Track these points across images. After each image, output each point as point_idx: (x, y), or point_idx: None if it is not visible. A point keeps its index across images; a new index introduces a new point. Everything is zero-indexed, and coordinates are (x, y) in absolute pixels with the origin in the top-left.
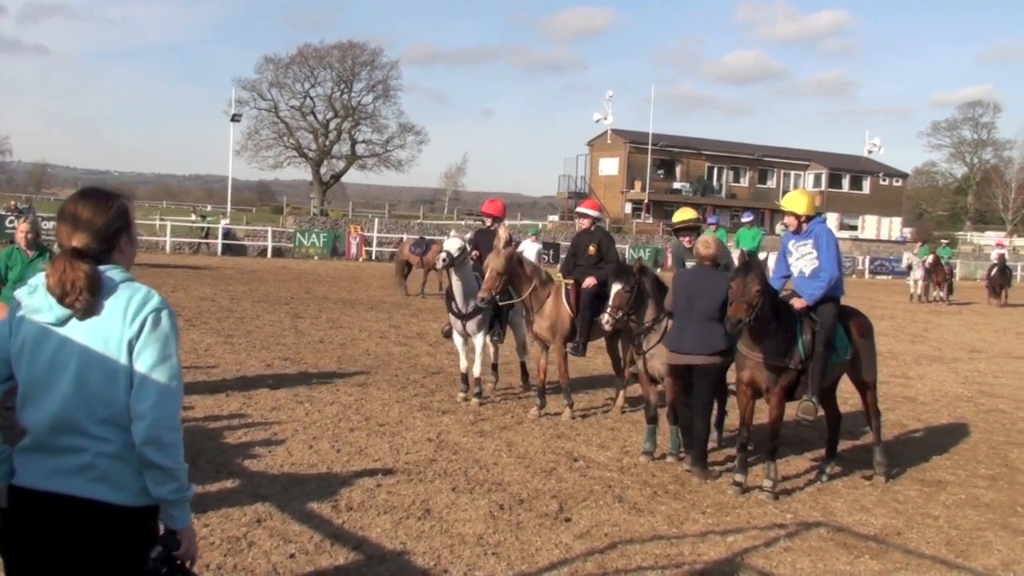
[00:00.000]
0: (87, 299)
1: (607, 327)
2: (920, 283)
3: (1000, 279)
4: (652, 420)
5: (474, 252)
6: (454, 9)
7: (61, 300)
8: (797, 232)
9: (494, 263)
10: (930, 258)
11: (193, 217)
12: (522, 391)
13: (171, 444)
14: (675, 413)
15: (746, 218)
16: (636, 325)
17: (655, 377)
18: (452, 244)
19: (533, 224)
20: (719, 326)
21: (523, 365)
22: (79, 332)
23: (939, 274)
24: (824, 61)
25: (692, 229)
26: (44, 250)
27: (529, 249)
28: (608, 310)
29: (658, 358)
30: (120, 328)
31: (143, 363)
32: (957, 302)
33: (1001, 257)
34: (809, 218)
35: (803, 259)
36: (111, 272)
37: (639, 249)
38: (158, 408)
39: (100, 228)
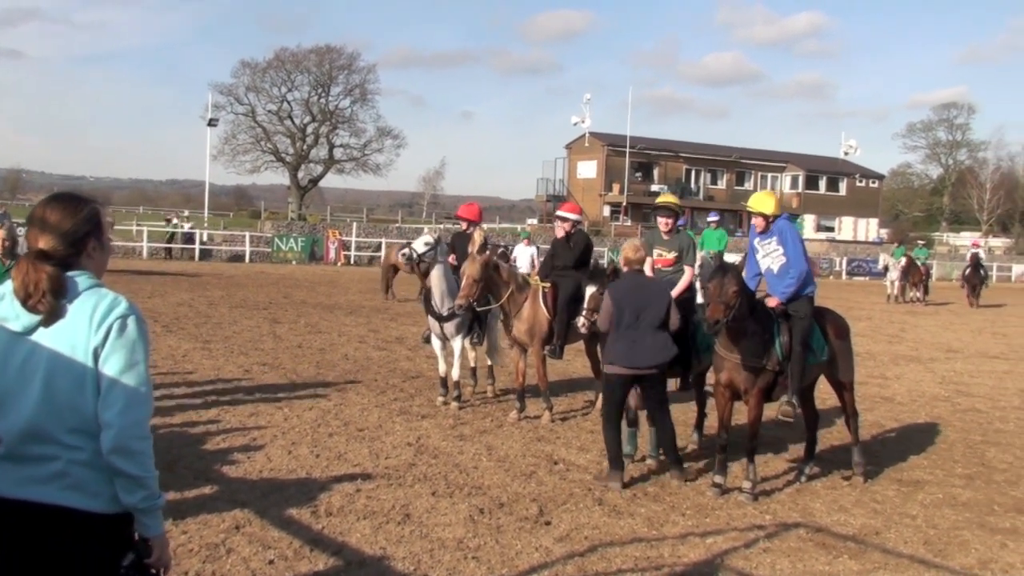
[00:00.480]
0: (50, 302)
1: (582, 330)
2: (896, 284)
3: (975, 278)
4: (632, 423)
5: (451, 256)
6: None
7: (25, 302)
8: (763, 232)
9: (470, 270)
10: (902, 260)
11: (167, 221)
12: (501, 394)
13: (139, 452)
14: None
15: (712, 218)
16: (584, 330)
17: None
18: (419, 243)
19: (522, 228)
20: (666, 333)
21: (491, 368)
22: (47, 340)
23: (915, 275)
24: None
25: (671, 211)
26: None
27: (523, 253)
28: (583, 313)
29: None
30: (86, 335)
31: (109, 370)
32: (934, 302)
33: (974, 256)
34: (775, 217)
35: (769, 256)
36: (78, 277)
37: (618, 252)
38: (125, 416)
39: (67, 231)
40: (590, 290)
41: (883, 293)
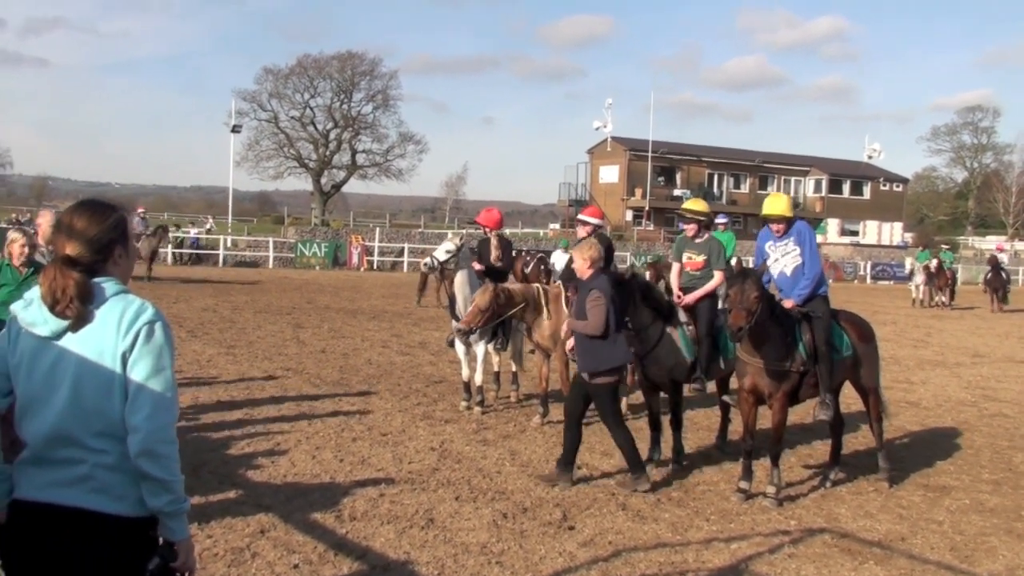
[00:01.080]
0: (78, 307)
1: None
2: (922, 288)
3: (996, 282)
4: (655, 427)
5: (476, 265)
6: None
7: (52, 308)
8: (779, 234)
9: (479, 299)
10: (933, 263)
11: (175, 227)
12: (524, 399)
13: (166, 456)
14: (678, 420)
15: (721, 220)
16: (635, 333)
17: (657, 383)
18: (440, 250)
19: (562, 237)
20: (606, 343)
21: (514, 373)
22: (74, 345)
23: (941, 279)
24: (824, 67)
25: (699, 221)
26: (40, 267)
27: (560, 260)
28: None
29: (656, 364)
30: (114, 340)
31: (137, 375)
32: (959, 307)
33: (993, 259)
34: (792, 219)
35: (785, 258)
36: (105, 284)
37: (641, 256)
38: (152, 420)
39: (93, 238)
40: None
41: (908, 297)
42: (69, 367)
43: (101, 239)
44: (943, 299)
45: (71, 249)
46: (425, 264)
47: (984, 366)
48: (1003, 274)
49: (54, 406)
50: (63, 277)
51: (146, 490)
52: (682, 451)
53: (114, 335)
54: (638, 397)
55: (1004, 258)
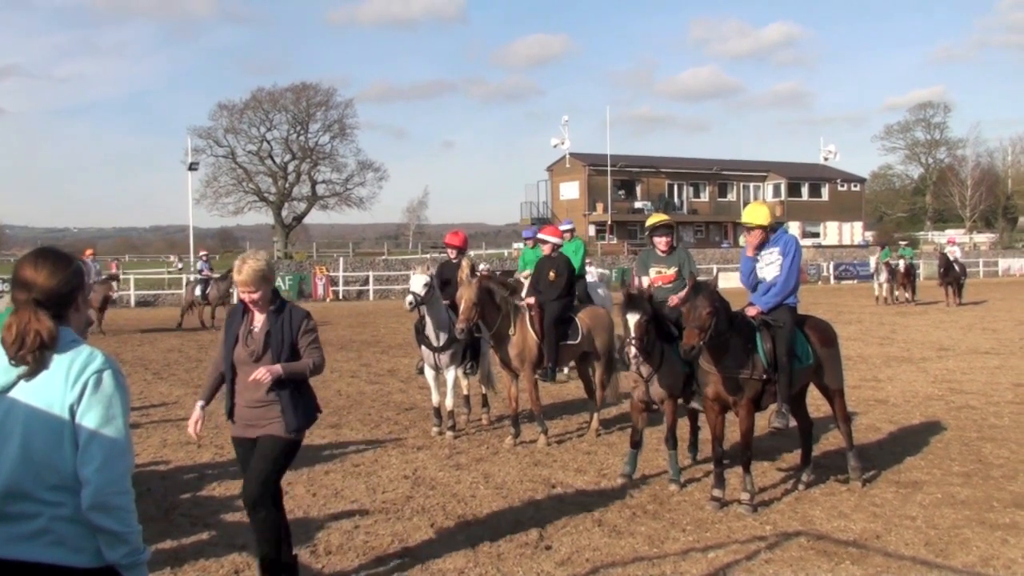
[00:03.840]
0: (40, 354)
1: (633, 361)
2: (884, 286)
3: (949, 277)
4: (636, 445)
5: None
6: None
7: (16, 352)
8: (763, 243)
9: (467, 293)
10: (901, 263)
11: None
12: (495, 421)
13: (119, 508)
14: (673, 437)
15: (566, 226)
16: (637, 359)
17: (654, 402)
18: (417, 283)
19: (513, 255)
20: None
21: (484, 396)
22: (23, 397)
23: (902, 276)
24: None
25: (669, 229)
26: None
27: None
28: (632, 342)
29: (660, 381)
30: (62, 391)
31: (86, 426)
32: (922, 302)
33: (943, 256)
34: (773, 228)
35: (769, 267)
36: (62, 332)
37: (605, 270)
38: (103, 472)
39: (56, 287)
40: (633, 318)
41: (872, 296)
42: (19, 420)
43: (63, 288)
44: (906, 295)
45: (38, 295)
46: (409, 302)
47: (950, 359)
48: (956, 268)
49: (5, 461)
50: (37, 321)
51: (102, 542)
52: (678, 471)
53: (62, 387)
54: (609, 413)
55: (956, 251)
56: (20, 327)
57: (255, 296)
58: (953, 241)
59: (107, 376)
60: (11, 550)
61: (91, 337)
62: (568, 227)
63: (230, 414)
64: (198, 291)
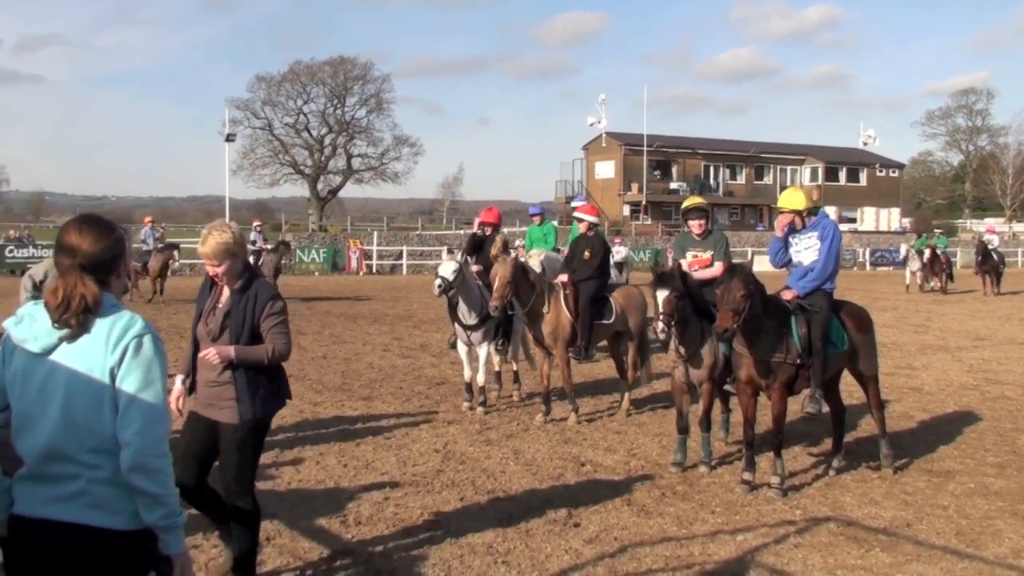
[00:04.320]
0: (84, 317)
1: (661, 336)
2: (919, 274)
3: (987, 265)
4: (684, 430)
5: (475, 266)
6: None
7: (61, 314)
8: (802, 228)
9: (502, 271)
10: (926, 253)
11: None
12: (526, 398)
13: (158, 470)
14: (708, 420)
15: (534, 212)
16: (680, 331)
17: (693, 385)
18: (447, 268)
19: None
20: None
21: (516, 372)
22: (65, 360)
23: (935, 264)
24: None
25: (703, 212)
26: None
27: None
28: (660, 317)
29: (700, 363)
30: (103, 355)
31: (127, 390)
32: (956, 291)
33: (981, 245)
34: (810, 212)
35: (807, 251)
36: (103, 297)
37: (639, 251)
38: (143, 435)
39: (98, 254)
40: (662, 294)
41: (903, 283)
42: (60, 383)
43: (106, 254)
44: (937, 284)
45: (83, 261)
46: (438, 285)
47: (986, 349)
48: (995, 256)
49: (46, 422)
50: (83, 285)
51: (140, 505)
52: (710, 453)
53: (103, 350)
54: (641, 393)
55: (995, 240)
56: (67, 291)
57: (219, 270)
58: (992, 230)
59: (147, 340)
60: (49, 510)
61: (150, 306)
62: (537, 212)
63: (191, 389)
64: (251, 260)
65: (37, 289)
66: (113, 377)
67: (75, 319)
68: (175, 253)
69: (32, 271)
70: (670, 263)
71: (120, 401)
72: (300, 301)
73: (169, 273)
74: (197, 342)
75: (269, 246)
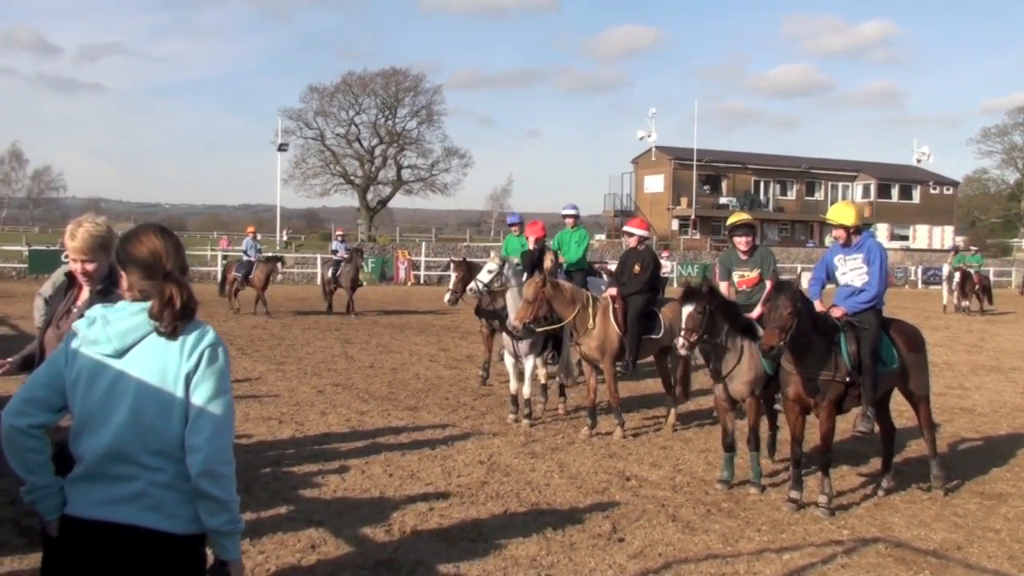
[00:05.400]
0: (182, 323)
1: (682, 351)
2: (955, 294)
3: None
4: (730, 448)
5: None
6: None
7: (171, 321)
8: (846, 245)
9: (525, 292)
10: (958, 274)
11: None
12: (572, 411)
13: (225, 476)
14: (756, 438)
15: (569, 211)
16: (713, 347)
17: (736, 400)
18: (483, 272)
19: (595, 246)
20: None
21: (561, 386)
22: (136, 365)
23: (967, 284)
24: (871, 71)
25: (750, 228)
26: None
27: None
28: (682, 333)
29: (738, 379)
30: (178, 362)
31: (199, 397)
32: (995, 311)
33: None
34: (858, 230)
35: (852, 273)
36: None
37: (687, 266)
38: (213, 441)
39: (177, 262)
40: (687, 309)
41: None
42: (130, 386)
43: (186, 263)
44: (967, 304)
45: (170, 269)
46: (471, 290)
47: None
48: None
49: (112, 423)
50: (187, 290)
51: (204, 509)
52: (759, 473)
53: (177, 356)
54: (687, 408)
55: None
56: (184, 297)
57: (89, 267)
58: None
59: (220, 351)
60: (108, 512)
61: (256, 319)
62: (571, 212)
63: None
64: (330, 272)
65: (48, 305)
66: (187, 383)
67: (183, 323)
68: (278, 265)
69: (42, 289)
70: (718, 281)
71: (192, 408)
72: (353, 315)
73: (269, 284)
74: (35, 349)
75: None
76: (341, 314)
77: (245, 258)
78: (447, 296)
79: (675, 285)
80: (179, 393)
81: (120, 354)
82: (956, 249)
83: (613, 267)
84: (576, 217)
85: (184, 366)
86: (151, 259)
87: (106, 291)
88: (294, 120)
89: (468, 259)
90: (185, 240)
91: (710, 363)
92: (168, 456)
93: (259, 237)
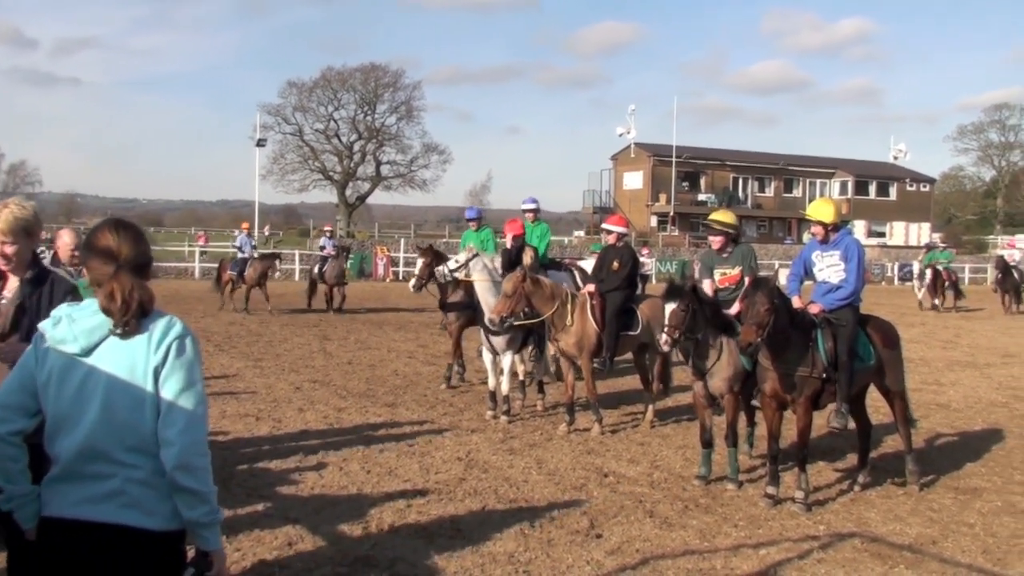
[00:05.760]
0: (139, 320)
1: (664, 347)
2: (924, 291)
3: (1006, 283)
4: (707, 444)
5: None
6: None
7: (120, 317)
8: (824, 241)
9: (505, 286)
10: (929, 272)
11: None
12: (550, 408)
13: (200, 468)
14: (734, 434)
15: (528, 205)
16: (694, 344)
17: (715, 397)
18: (450, 261)
19: (595, 243)
20: None
21: (540, 382)
22: (105, 361)
23: (938, 281)
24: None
25: (727, 234)
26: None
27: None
28: (665, 329)
29: (718, 375)
30: (145, 356)
31: (169, 390)
32: (967, 307)
33: (1001, 261)
34: (836, 227)
35: (829, 270)
36: None
37: (665, 262)
38: (186, 434)
39: (136, 258)
40: (670, 306)
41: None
42: (100, 383)
43: (143, 258)
44: (936, 301)
45: (125, 265)
46: (440, 275)
47: (1015, 366)
48: (1015, 274)
49: (85, 422)
50: (140, 287)
51: (182, 502)
52: (737, 469)
53: (145, 350)
54: (664, 405)
55: (1016, 255)
56: (125, 293)
57: (8, 249)
58: (1013, 245)
59: (188, 342)
60: (85, 511)
61: (262, 315)
62: (531, 206)
63: None
64: (316, 270)
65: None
66: (156, 377)
67: (134, 320)
68: (276, 262)
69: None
70: (697, 275)
71: (162, 401)
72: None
73: (266, 282)
74: None
75: (332, 252)
76: (322, 311)
77: (240, 255)
78: (412, 282)
79: (654, 281)
80: (149, 387)
81: (88, 352)
82: (929, 246)
83: (586, 264)
84: (536, 211)
85: (152, 360)
86: (104, 253)
87: (38, 279)
88: (272, 115)
89: (438, 251)
90: (162, 236)
91: (689, 359)
92: (143, 452)
93: (266, 232)
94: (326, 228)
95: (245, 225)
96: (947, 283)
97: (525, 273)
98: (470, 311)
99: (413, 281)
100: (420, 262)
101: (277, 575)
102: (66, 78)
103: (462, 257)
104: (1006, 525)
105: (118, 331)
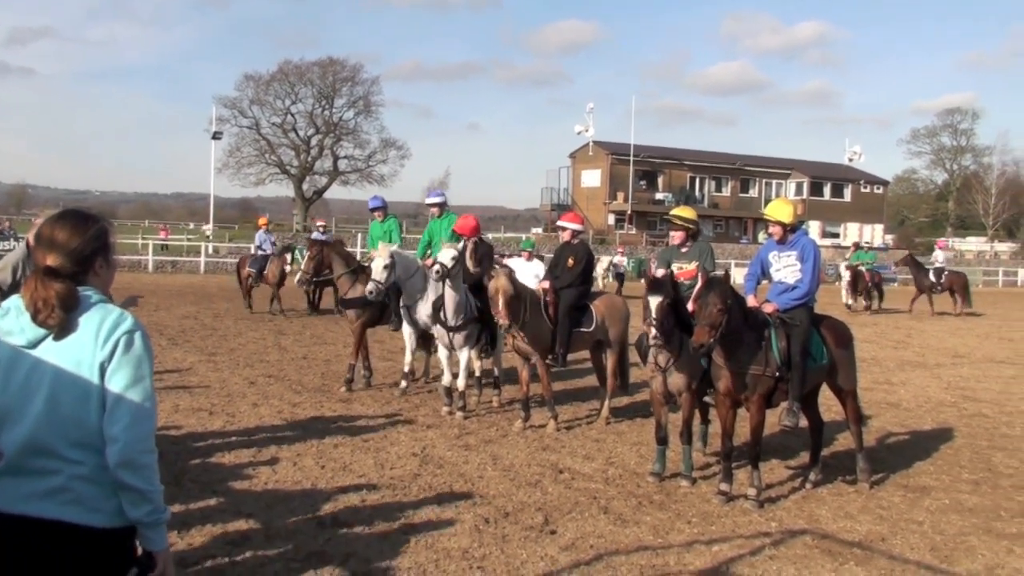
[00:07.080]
0: (60, 316)
1: (654, 342)
2: (846, 292)
3: (921, 281)
4: (663, 441)
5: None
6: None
7: (35, 317)
8: (781, 242)
9: (504, 286)
10: (847, 273)
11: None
12: (506, 404)
13: (145, 466)
14: (689, 431)
15: (374, 206)
16: (656, 341)
17: (672, 395)
18: (445, 255)
19: (526, 238)
20: None
21: (496, 378)
22: (52, 354)
23: (859, 283)
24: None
25: (687, 229)
26: None
27: (525, 271)
28: (653, 324)
29: (678, 372)
30: (92, 350)
31: (116, 385)
32: (880, 311)
33: (910, 258)
34: (794, 228)
35: (786, 270)
36: (86, 292)
37: (630, 261)
38: (131, 430)
39: (75, 250)
40: (655, 300)
41: (902, 299)
42: (45, 376)
43: (83, 251)
44: (856, 302)
45: (52, 260)
46: (435, 271)
47: (964, 367)
48: (931, 274)
49: (30, 416)
50: (44, 288)
51: (126, 501)
52: (691, 466)
53: (92, 345)
54: (620, 402)
55: (940, 256)
56: (31, 293)
57: None
58: (942, 245)
59: (137, 337)
60: (27, 507)
61: (269, 319)
62: (437, 200)
63: None
64: (255, 268)
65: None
66: (102, 372)
67: (51, 319)
68: (287, 256)
69: None
70: (654, 271)
71: (108, 397)
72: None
73: (284, 281)
74: None
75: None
76: (263, 312)
77: (260, 253)
78: (297, 276)
79: (612, 281)
80: (95, 382)
81: (34, 344)
82: (856, 246)
83: (513, 262)
84: (443, 205)
85: (99, 355)
86: (42, 248)
87: None
88: (229, 108)
89: (326, 240)
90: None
91: (651, 357)
92: (88, 448)
93: (303, 231)
94: (319, 223)
95: (263, 221)
96: (869, 284)
97: (511, 272)
98: (373, 308)
99: (299, 275)
100: (306, 255)
101: (229, 571)
102: (19, 68)
103: (455, 252)
104: (953, 523)
105: (41, 327)
